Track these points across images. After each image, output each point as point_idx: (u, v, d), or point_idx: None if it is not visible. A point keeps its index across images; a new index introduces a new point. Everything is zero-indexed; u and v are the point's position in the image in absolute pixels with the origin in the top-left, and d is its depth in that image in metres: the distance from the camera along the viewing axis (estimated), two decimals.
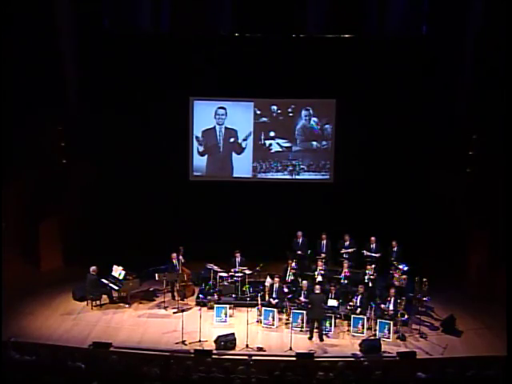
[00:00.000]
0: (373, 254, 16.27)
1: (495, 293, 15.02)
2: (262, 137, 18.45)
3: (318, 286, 14.19)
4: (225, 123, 18.47)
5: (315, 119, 18.45)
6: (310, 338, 13.76)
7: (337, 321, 14.27)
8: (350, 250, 16.43)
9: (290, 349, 13.16)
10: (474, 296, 15.97)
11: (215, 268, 15.95)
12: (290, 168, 18.54)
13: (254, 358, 12.46)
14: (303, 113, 18.42)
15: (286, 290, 15.02)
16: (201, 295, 15.61)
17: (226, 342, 13.21)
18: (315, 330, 13.81)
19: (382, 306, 14.26)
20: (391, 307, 14.13)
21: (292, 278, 15.51)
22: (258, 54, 17.48)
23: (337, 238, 16.66)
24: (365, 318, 13.97)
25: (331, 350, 13.36)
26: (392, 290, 14.29)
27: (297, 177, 18.56)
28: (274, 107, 18.35)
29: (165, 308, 15.29)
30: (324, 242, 16.55)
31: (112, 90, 17.64)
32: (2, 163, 15.33)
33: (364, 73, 17.50)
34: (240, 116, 18.44)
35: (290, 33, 17.68)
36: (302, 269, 15.95)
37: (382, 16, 17.56)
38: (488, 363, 11.70)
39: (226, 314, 14.42)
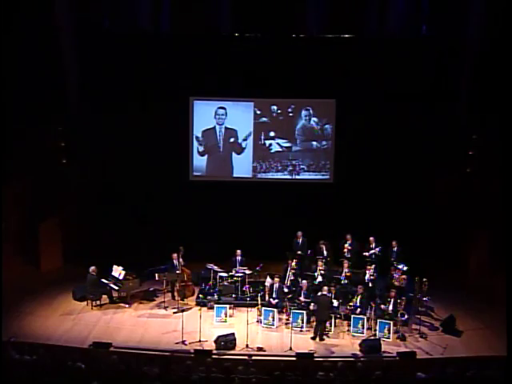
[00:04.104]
0: (373, 251, 16.24)
1: (495, 293, 15.01)
2: (262, 137, 18.45)
3: (325, 288, 14.17)
4: (225, 123, 18.46)
5: (315, 119, 18.45)
6: (314, 338, 13.76)
7: (337, 321, 14.28)
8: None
9: (290, 349, 13.16)
10: (474, 296, 15.97)
11: (215, 268, 15.95)
12: (290, 168, 18.54)
13: (253, 357, 12.47)
14: (303, 113, 18.41)
15: (286, 289, 15.03)
16: (201, 295, 15.62)
17: (226, 342, 13.20)
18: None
19: (382, 306, 14.27)
20: (391, 307, 14.13)
21: (292, 277, 15.50)
22: (258, 54, 17.47)
23: (337, 238, 16.65)
24: (365, 318, 13.97)
25: (331, 350, 13.36)
26: (392, 293, 14.28)
27: (297, 177, 18.55)
28: (274, 107, 18.35)
29: (165, 308, 15.29)
30: (323, 246, 16.44)
31: (112, 89, 17.63)
32: (2, 163, 15.33)
33: (364, 73, 17.50)
34: (240, 116, 18.43)
35: (290, 33, 17.69)
36: (302, 269, 15.95)
37: (382, 16, 17.57)
38: (488, 363, 11.73)
39: (226, 314, 14.42)
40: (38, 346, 12.44)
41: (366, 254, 16.26)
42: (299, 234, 16.71)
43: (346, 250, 16.45)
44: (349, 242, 16.49)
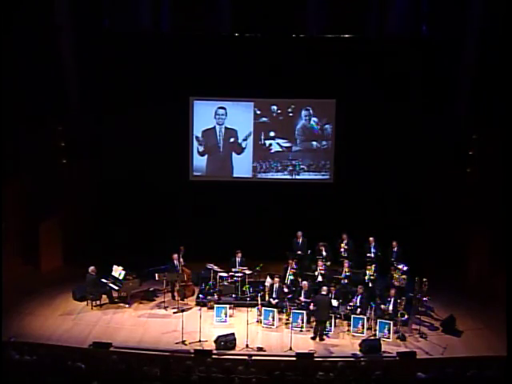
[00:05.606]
0: (373, 254, 16.25)
1: (495, 293, 15.01)
2: (262, 137, 18.44)
3: (324, 288, 14.16)
4: (225, 123, 18.45)
5: (315, 119, 18.44)
6: (314, 338, 13.76)
7: (337, 321, 14.28)
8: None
9: (290, 349, 13.16)
10: (474, 296, 15.97)
11: (215, 268, 15.95)
12: (290, 168, 18.53)
13: (253, 357, 12.46)
14: (303, 113, 18.40)
15: (285, 289, 15.03)
16: (201, 295, 15.63)
17: (226, 342, 13.20)
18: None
19: (382, 306, 14.26)
20: (391, 307, 14.13)
21: (292, 277, 15.50)
22: (259, 54, 17.47)
23: (337, 237, 16.62)
24: (365, 318, 13.97)
25: (331, 350, 13.36)
26: (392, 292, 14.28)
27: (297, 177, 18.54)
28: (274, 107, 18.34)
29: (165, 308, 15.29)
30: (323, 248, 16.38)
31: (112, 89, 17.65)
32: (2, 163, 15.33)
33: (364, 73, 17.50)
34: (240, 116, 18.42)
35: (290, 33, 17.69)
36: (302, 269, 15.95)
37: (382, 16, 17.58)
38: (488, 363, 11.70)
39: (226, 314, 14.42)
40: (38, 346, 12.44)
41: (371, 255, 16.20)
42: (299, 233, 16.70)
43: (342, 250, 16.44)
44: (345, 241, 16.47)
